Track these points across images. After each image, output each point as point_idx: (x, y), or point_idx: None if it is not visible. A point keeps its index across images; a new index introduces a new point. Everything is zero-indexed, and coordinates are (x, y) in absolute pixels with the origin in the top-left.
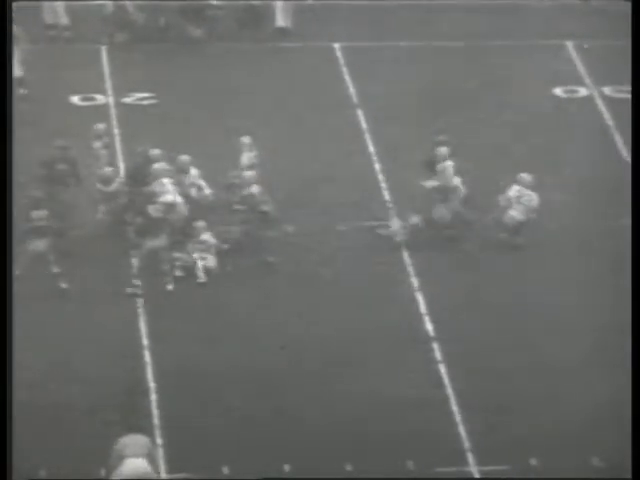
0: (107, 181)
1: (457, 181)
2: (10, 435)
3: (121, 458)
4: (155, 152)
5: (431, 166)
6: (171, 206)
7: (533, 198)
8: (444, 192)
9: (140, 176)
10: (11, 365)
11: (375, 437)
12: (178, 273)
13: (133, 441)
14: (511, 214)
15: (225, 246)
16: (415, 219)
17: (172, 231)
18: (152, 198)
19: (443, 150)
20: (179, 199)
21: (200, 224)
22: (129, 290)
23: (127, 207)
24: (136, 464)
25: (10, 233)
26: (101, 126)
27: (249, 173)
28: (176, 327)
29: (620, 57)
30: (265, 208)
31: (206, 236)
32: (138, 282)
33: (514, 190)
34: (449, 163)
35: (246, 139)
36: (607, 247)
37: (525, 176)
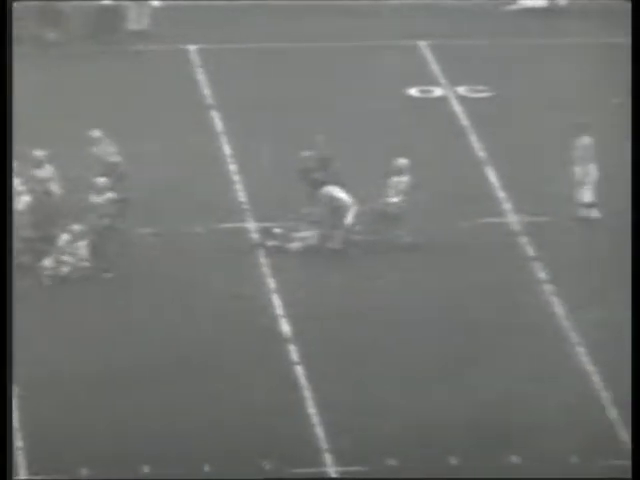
0: None
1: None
2: (10, 435)
3: None
4: None
5: (305, 176)
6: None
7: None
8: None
9: None
10: (11, 365)
11: (233, 438)
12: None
13: None
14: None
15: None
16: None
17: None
18: None
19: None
20: (29, 198)
21: (76, 228)
22: None
23: None
24: None
25: (10, 235)
26: None
27: (102, 180)
28: (38, 330)
29: (474, 57)
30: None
31: (82, 243)
32: None
33: (402, 182)
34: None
35: (97, 145)
36: (469, 246)
37: (402, 161)
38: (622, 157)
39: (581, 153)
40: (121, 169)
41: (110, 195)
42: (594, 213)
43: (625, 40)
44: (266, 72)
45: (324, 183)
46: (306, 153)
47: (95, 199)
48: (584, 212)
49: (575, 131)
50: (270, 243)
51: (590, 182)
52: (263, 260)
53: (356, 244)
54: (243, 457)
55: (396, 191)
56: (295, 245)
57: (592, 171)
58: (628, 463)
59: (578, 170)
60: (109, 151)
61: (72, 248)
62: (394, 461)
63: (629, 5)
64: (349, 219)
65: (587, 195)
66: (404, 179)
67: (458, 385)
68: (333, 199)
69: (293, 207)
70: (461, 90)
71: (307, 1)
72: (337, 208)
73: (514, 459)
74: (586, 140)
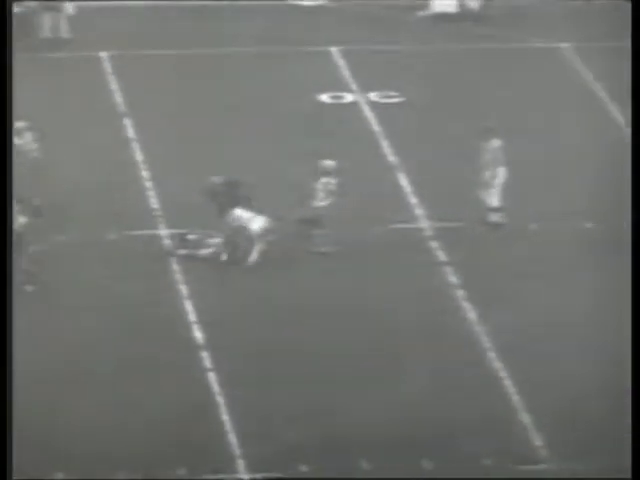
0: None
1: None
2: (10, 435)
3: None
4: None
5: (214, 198)
6: None
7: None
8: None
9: None
10: (11, 365)
11: (146, 445)
12: None
13: None
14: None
15: None
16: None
17: None
18: None
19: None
20: None
21: None
22: None
23: None
24: None
25: (10, 233)
26: None
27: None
28: None
29: (386, 62)
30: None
31: None
32: None
33: (330, 183)
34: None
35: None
36: (381, 252)
37: (329, 162)
38: (531, 160)
39: (490, 157)
40: (41, 167)
41: (31, 216)
42: (502, 217)
43: (535, 44)
44: (179, 78)
45: (234, 206)
46: (216, 178)
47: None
48: (494, 216)
49: (484, 135)
50: (182, 250)
51: (498, 185)
52: (176, 267)
53: (268, 250)
54: (155, 464)
55: (325, 193)
56: (207, 251)
57: (501, 175)
58: (539, 468)
59: (487, 174)
60: (32, 147)
61: None
62: (306, 467)
63: (542, 9)
64: (254, 256)
65: (495, 199)
66: (332, 181)
67: (371, 390)
68: (241, 227)
69: (206, 214)
70: (372, 96)
71: (220, 1)
72: (247, 237)
73: (426, 463)
74: (495, 143)
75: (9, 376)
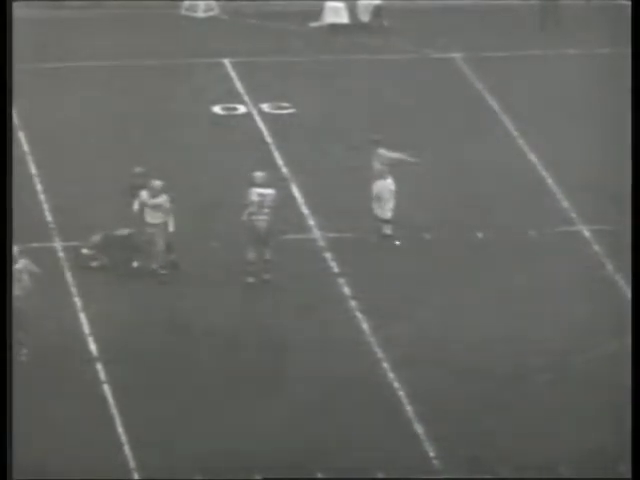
0: None
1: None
2: (10, 435)
3: None
4: None
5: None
6: None
7: (273, 195)
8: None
9: None
10: (11, 364)
11: (38, 457)
12: None
13: None
14: (261, 219)
15: None
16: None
17: None
18: None
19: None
20: None
21: None
22: None
23: None
24: None
25: (10, 233)
26: None
27: None
28: None
29: (277, 74)
30: None
31: None
32: None
33: (255, 194)
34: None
35: None
36: (275, 262)
37: (260, 174)
38: (422, 171)
39: (379, 168)
40: None
41: None
42: (394, 228)
43: (427, 55)
44: (73, 91)
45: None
46: (137, 169)
47: None
48: (386, 228)
49: (370, 146)
50: (80, 260)
51: (389, 198)
52: (69, 279)
53: (167, 263)
54: (48, 476)
55: (265, 205)
56: (101, 263)
57: (389, 187)
58: (434, 478)
59: (379, 184)
60: None
61: None
62: (201, 476)
63: (433, 20)
64: (160, 245)
65: (386, 211)
66: (269, 191)
67: (265, 401)
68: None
69: (101, 226)
70: (265, 107)
71: (111, 13)
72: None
73: (320, 475)
74: (382, 154)
75: (9, 375)
